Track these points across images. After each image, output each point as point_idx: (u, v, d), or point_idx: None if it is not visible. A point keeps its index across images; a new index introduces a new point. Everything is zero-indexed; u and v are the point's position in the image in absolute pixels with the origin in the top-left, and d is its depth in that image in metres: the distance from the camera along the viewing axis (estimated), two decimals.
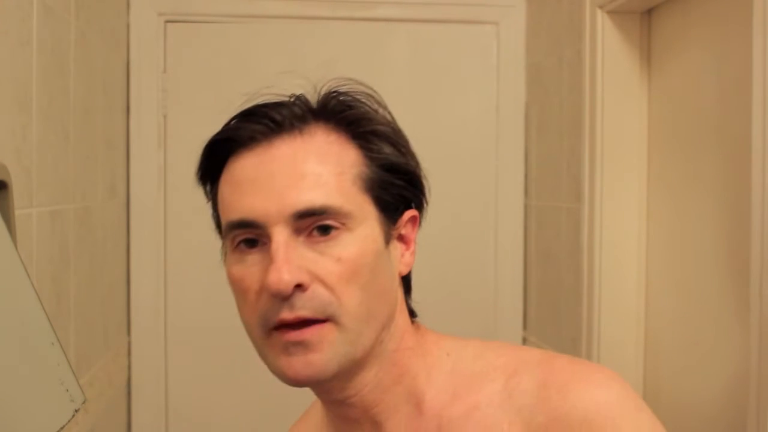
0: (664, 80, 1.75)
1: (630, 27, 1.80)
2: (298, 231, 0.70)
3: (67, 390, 0.94)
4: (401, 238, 0.77)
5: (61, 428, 0.92)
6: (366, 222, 0.72)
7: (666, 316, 1.74)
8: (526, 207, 2.32)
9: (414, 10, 2.29)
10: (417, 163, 0.79)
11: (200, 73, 2.22)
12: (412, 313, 0.81)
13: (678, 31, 1.69)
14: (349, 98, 0.76)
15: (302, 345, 0.70)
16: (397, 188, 0.75)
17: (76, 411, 0.94)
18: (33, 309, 0.93)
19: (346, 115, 0.75)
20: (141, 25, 2.17)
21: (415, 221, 0.78)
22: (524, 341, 2.32)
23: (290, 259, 0.69)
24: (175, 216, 2.20)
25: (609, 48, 1.79)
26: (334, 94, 0.76)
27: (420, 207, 0.79)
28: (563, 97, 2.02)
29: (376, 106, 0.77)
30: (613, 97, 1.79)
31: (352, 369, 0.73)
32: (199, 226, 2.39)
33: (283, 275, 0.68)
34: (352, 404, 0.76)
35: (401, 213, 0.76)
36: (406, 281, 0.81)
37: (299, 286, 0.69)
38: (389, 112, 0.78)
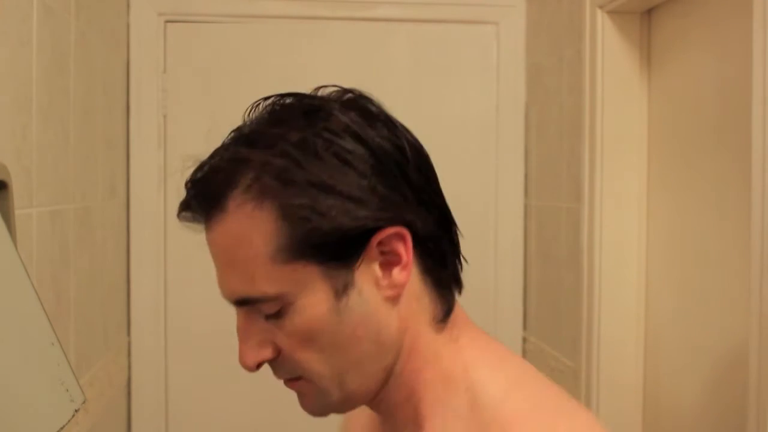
0: (664, 80, 1.75)
1: (630, 27, 1.80)
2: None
3: (67, 390, 0.94)
4: (385, 262, 0.70)
5: (61, 428, 0.92)
6: (304, 290, 0.68)
7: (666, 316, 1.74)
8: (526, 207, 2.32)
9: (414, 10, 2.29)
10: (374, 169, 0.68)
11: (200, 73, 2.22)
12: (447, 312, 0.74)
13: (678, 31, 1.69)
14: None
15: (296, 393, 0.75)
16: (339, 232, 0.67)
17: (76, 411, 0.94)
18: (33, 309, 0.93)
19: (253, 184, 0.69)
20: (141, 25, 2.17)
21: (401, 236, 0.69)
22: (524, 341, 2.32)
23: (249, 337, 0.72)
24: (175, 216, 2.20)
25: (609, 48, 1.79)
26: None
27: (399, 219, 0.69)
28: (563, 97, 2.02)
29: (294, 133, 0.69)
30: (613, 97, 1.79)
31: (351, 401, 0.75)
32: (199, 225, 2.37)
33: (244, 361, 0.72)
34: (376, 406, 0.77)
35: (364, 243, 0.68)
36: (435, 278, 0.73)
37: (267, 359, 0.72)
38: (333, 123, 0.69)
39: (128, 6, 2.15)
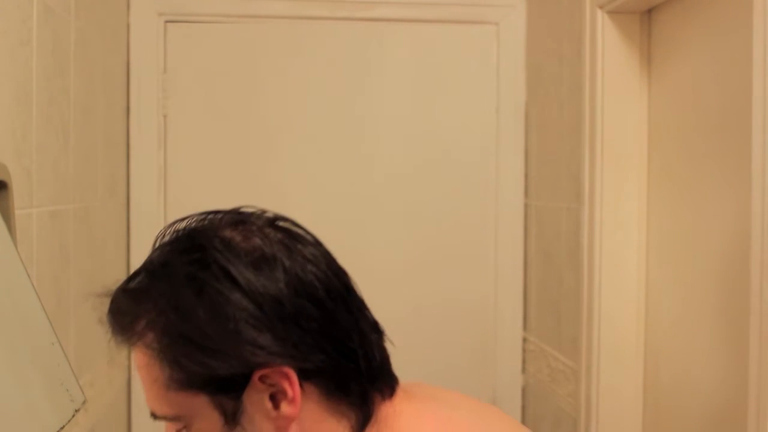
0: (664, 80, 1.75)
1: (630, 27, 1.80)
2: None
3: (67, 390, 0.94)
4: (276, 393, 0.75)
5: (61, 428, 0.92)
6: (197, 415, 0.76)
7: (666, 316, 1.74)
8: (526, 207, 2.32)
9: (414, 10, 2.29)
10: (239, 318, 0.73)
11: (200, 73, 2.22)
12: (363, 421, 0.79)
13: (678, 31, 1.69)
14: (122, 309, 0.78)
15: None
16: (215, 376, 0.74)
17: (76, 411, 0.94)
18: (33, 309, 0.93)
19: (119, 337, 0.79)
20: (141, 25, 2.17)
21: (285, 374, 0.74)
22: (524, 341, 2.32)
23: None
24: (175, 216, 2.19)
25: (609, 48, 1.79)
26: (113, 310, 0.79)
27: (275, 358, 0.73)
28: (563, 97, 2.02)
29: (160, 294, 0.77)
30: (613, 97, 1.79)
31: None
32: None
33: None
34: None
35: (247, 378, 0.74)
36: (336, 402, 0.78)
37: None
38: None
39: (128, 6, 2.15)
